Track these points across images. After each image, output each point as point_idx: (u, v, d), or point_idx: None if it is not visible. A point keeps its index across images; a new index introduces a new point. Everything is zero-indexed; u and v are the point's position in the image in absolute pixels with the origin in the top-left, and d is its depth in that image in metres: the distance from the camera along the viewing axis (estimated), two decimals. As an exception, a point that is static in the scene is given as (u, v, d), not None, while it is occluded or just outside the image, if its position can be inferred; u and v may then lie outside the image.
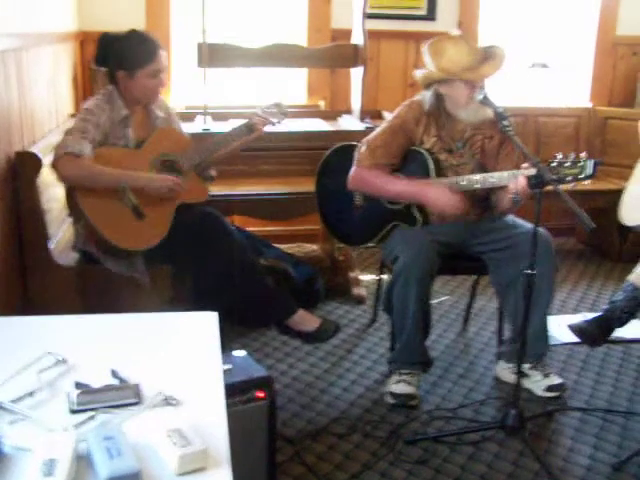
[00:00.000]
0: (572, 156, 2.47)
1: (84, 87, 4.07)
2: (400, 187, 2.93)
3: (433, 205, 2.87)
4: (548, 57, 4.96)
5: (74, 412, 1.26)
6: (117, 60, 2.82)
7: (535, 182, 2.31)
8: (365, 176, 2.98)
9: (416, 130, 2.95)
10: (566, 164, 2.46)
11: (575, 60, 4.98)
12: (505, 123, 2.53)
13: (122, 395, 1.29)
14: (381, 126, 3.05)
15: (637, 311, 2.95)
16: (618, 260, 4.58)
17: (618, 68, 4.91)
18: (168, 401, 1.28)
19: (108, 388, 1.31)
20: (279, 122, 3.18)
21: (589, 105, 4.87)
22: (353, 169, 3.02)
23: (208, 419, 1.25)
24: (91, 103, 2.81)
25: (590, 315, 3.66)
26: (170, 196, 2.83)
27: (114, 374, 1.38)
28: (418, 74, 2.94)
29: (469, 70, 2.79)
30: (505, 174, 2.77)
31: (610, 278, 4.37)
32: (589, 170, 2.45)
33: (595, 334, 2.94)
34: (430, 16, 4.49)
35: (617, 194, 4.34)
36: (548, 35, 4.94)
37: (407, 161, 2.98)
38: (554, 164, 2.47)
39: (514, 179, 2.70)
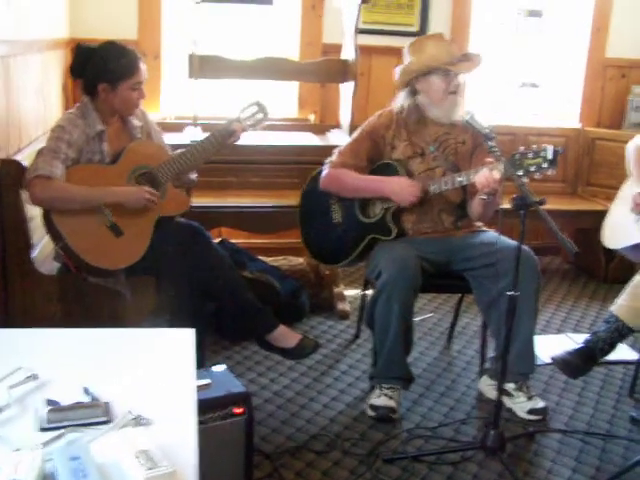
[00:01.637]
0: (534, 147, 2.55)
1: (74, 95, 4.05)
2: (364, 181, 3.03)
3: (392, 194, 2.93)
4: (538, 77, 4.99)
5: (43, 430, 1.25)
6: (98, 73, 2.78)
7: (519, 203, 2.32)
8: (334, 174, 3.07)
9: (386, 135, 3.03)
10: (529, 155, 2.53)
11: (565, 81, 5.00)
12: (491, 144, 2.54)
13: (92, 413, 1.28)
14: (352, 135, 3.15)
15: (619, 342, 2.95)
16: (604, 281, 4.59)
17: (607, 90, 4.94)
18: (138, 420, 1.26)
19: (78, 406, 1.30)
20: (261, 123, 3.10)
21: (578, 126, 4.89)
22: (324, 171, 3.10)
23: (178, 439, 1.24)
24: (64, 119, 2.79)
25: (573, 336, 3.69)
26: (148, 208, 2.80)
27: (86, 391, 1.37)
28: (397, 70, 3.02)
29: (448, 64, 2.89)
30: (471, 171, 2.82)
31: (595, 299, 4.38)
32: (549, 156, 2.50)
33: (578, 366, 2.93)
34: (422, 32, 4.49)
35: (604, 215, 4.36)
36: (539, 55, 4.97)
37: (380, 174, 3.03)
38: (517, 156, 2.53)
39: (479, 174, 2.72)
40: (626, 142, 4.53)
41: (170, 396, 1.39)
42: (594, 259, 4.63)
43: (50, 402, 1.32)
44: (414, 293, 2.84)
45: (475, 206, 2.95)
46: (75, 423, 1.26)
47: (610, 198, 4.51)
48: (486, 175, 2.63)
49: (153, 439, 1.18)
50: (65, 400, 1.33)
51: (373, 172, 3.05)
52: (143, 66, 2.83)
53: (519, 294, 2.44)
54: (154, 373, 1.50)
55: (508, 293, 2.42)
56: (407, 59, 2.99)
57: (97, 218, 2.74)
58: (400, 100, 3.03)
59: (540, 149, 2.52)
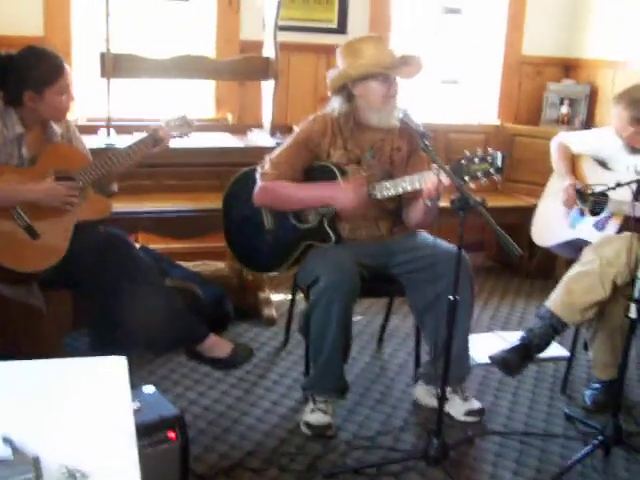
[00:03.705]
0: (480, 152, 2.48)
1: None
2: (307, 191, 2.84)
3: (336, 201, 2.77)
4: (458, 74, 4.98)
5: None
6: (21, 81, 2.63)
7: (459, 205, 2.25)
8: (270, 187, 2.86)
9: (322, 142, 2.85)
10: (475, 160, 2.46)
11: (483, 77, 5.01)
12: (426, 142, 2.46)
13: (17, 472, 1.08)
14: (285, 142, 2.96)
15: (554, 338, 2.92)
16: (527, 276, 4.62)
17: (524, 86, 4.98)
18: (74, 476, 1.09)
19: None
20: (186, 135, 3.06)
21: (497, 122, 4.90)
22: (257, 185, 2.89)
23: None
24: None
25: (503, 334, 3.68)
26: (67, 207, 2.66)
27: (7, 441, 1.17)
28: (331, 74, 2.85)
29: (390, 69, 2.74)
30: (416, 176, 2.70)
31: (520, 295, 4.39)
32: (498, 162, 2.45)
33: (515, 363, 2.90)
34: (341, 29, 4.42)
35: (525, 211, 4.39)
36: (458, 51, 4.96)
37: (315, 176, 2.88)
38: (463, 161, 2.46)
39: (425, 180, 2.63)
40: (544, 138, 4.61)
41: (108, 441, 1.21)
42: (517, 255, 4.63)
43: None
44: (353, 300, 2.73)
45: (415, 213, 2.85)
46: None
47: (531, 194, 4.56)
48: (434, 181, 2.51)
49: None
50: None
51: (308, 174, 2.89)
52: (68, 68, 2.71)
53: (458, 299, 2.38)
54: (86, 413, 1.31)
55: (450, 297, 2.35)
56: (342, 62, 2.82)
57: (11, 219, 2.60)
58: (335, 105, 2.85)
59: (487, 154, 2.46)
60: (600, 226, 3.07)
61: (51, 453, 1.16)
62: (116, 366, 1.44)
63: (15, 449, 1.16)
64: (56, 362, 1.48)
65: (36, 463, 1.12)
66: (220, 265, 4.07)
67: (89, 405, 1.35)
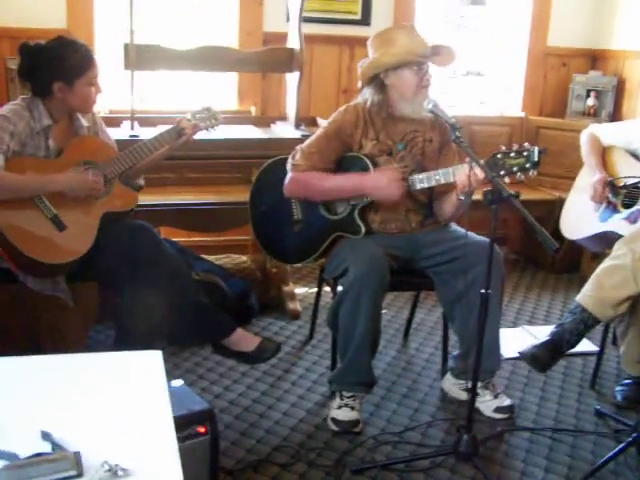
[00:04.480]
0: (515, 146, 2.45)
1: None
2: (339, 181, 2.80)
3: (373, 191, 2.73)
4: (482, 65, 4.93)
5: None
6: (51, 72, 2.59)
7: (492, 197, 2.20)
8: (301, 178, 2.82)
9: (355, 133, 2.80)
10: (511, 155, 2.43)
11: (507, 69, 4.95)
12: (458, 134, 2.42)
13: (58, 467, 1.04)
14: (316, 132, 2.91)
15: (586, 333, 2.85)
16: (551, 271, 4.56)
17: (549, 78, 4.92)
18: (114, 472, 1.06)
19: (40, 459, 1.06)
20: (211, 127, 3.01)
21: (522, 114, 4.84)
22: (288, 175, 2.86)
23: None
24: (8, 109, 2.59)
25: (530, 328, 3.63)
26: (92, 200, 2.64)
27: (46, 437, 1.14)
28: (363, 64, 2.81)
29: (424, 57, 2.71)
30: (450, 169, 2.65)
31: (545, 289, 4.33)
32: (535, 157, 2.41)
33: (546, 359, 2.83)
34: (365, 21, 4.37)
35: (550, 204, 4.35)
36: (482, 43, 4.90)
37: (347, 168, 2.84)
38: (499, 156, 2.43)
39: (460, 173, 2.58)
40: (569, 130, 4.56)
41: (147, 436, 1.18)
42: (541, 248, 4.56)
43: (3, 455, 1.09)
44: (383, 292, 2.69)
45: (447, 206, 2.81)
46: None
47: (556, 187, 4.51)
48: (468, 174, 2.46)
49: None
50: (21, 450, 1.10)
51: (339, 166, 2.85)
52: (97, 59, 2.68)
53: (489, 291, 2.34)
54: (124, 408, 1.28)
55: (482, 291, 2.31)
56: (373, 51, 2.78)
57: (37, 210, 2.56)
58: (367, 95, 2.80)
59: (522, 149, 2.42)
60: (633, 219, 3.02)
61: (90, 448, 1.13)
62: (152, 360, 1.41)
63: (55, 445, 1.13)
64: (92, 356, 1.45)
65: (77, 459, 1.08)
66: (242, 258, 4.04)
67: (126, 400, 1.32)
